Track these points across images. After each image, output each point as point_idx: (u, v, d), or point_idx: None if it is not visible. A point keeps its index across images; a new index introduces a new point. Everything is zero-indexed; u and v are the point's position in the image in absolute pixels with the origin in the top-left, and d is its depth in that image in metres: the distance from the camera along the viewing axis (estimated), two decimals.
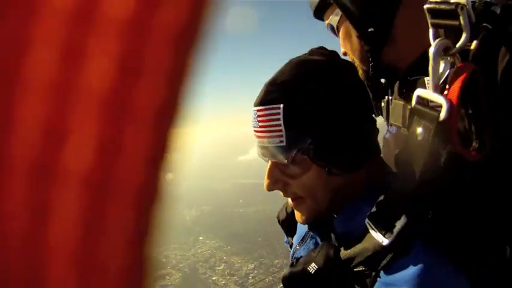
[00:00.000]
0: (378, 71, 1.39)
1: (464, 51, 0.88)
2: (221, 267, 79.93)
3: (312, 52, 1.20)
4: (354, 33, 1.36)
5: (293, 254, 1.31)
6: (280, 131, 1.08)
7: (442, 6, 0.87)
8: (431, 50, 0.86)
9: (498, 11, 1.00)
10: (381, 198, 0.97)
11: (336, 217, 1.14)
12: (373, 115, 1.22)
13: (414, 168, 0.87)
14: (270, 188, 1.17)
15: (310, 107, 1.06)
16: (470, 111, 0.88)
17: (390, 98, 1.52)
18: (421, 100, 0.89)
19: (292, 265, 1.23)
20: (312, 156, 1.07)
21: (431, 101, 0.86)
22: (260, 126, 1.11)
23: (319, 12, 1.48)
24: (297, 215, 1.20)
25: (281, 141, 1.08)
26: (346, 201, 1.13)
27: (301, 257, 1.20)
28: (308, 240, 1.23)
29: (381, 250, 0.92)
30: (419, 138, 0.85)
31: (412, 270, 0.89)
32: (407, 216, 0.88)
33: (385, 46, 1.33)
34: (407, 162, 0.89)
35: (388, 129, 1.61)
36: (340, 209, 1.14)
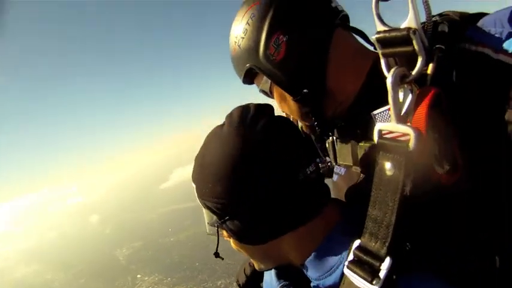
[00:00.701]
0: (324, 127, 1.36)
1: (420, 76, 0.83)
2: None
3: (232, 119, 1.03)
4: (288, 97, 1.30)
5: None
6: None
7: (393, 34, 0.83)
8: (388, 81, 0.81)
9: (446, 29, 1.00)
10: (356, 243, 0.88)
11: (306, 272, 1.05)
12: (311, 169, 1.01)
13: (388, 204, 0.80)
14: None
15: (211, 194, 1.00)
16: (436, 135, 0.84)
17: (335, 138, 1.49)
18: (383, 134, 0.83)
19: None
20: (225, 230, 1.06)
21: (392, 133, 0.81)
22: None
23: (248, 80, 1.41)
24: None
25: (203, 212, 1.12)
26: (300, 256, 1.05)
27: None
28: None
29: None
30: (389, 173, 0.80)
31: None
32: (391, 255, 0.80)
33: (323, 100, 1.28)
34: (380, 200, 0.83)
35: (335, 172, 1.55)
36: (303, 263, 1.05)
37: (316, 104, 1.29)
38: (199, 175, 1.05)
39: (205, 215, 1.12)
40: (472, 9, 1.07)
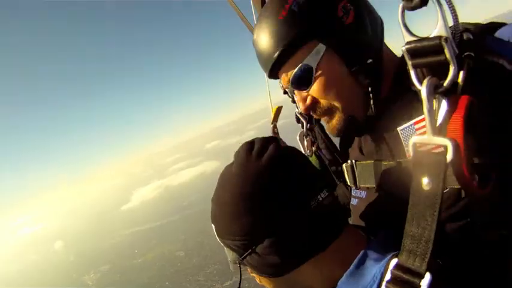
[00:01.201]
0: (378, 107, 1.25)
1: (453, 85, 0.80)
2: None
3: (239, 158, 1.08)
4: (343, 72, 1.22)
5: None
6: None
7: (425, 43, 0.80)
8: (423, 92, 0.78)
9: (471, 37, 0.95)
10: (394, 262, 0.87)
11: None
12: (320, 197, 1.02)
13: (427, 219, 0.78)
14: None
15: (229, 233, 1.05)
16: (470, 145, 0.79)
17: (354, 161, 1.44)
18: (417, 147, 0.80)
19: None
20: (247, 266, 1.10)
21: (427, 145, 0.78)
22: None
23: (285, 55, 1.24)
24: None
25: (225, 251, 1.14)
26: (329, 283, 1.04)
27: None
28: None
29: None
30: (427, 188, 0.77)
31: None
32: (431, 271, 0.79)
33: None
34: (418, 216, 0.80)
35: (354, 195, 1.48)
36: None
37: (378, 77, 1.21)
38: (216, 216, 1.09)
39: (227, 253, 1.13)
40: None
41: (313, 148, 1.69)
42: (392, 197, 1.20)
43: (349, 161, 1.49)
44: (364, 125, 1.32)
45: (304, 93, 1.30)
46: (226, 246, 1.11)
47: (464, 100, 0.78)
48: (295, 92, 1.31)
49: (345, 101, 1.27)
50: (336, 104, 1.28)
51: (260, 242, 1.01)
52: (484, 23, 1.13)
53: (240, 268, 1.11)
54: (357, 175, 1.45)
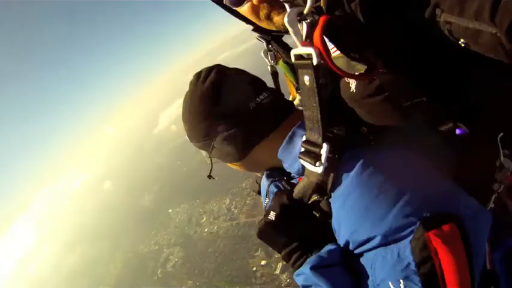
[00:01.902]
0: None
1: (319, 9, 0.96)
2: (204, 220, 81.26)
3: (191, 81, 1.39)
4: None
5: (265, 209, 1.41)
6: None
7: None
8: (285, 20, 0.95)
9: None
10: (304, 138, 1.10)
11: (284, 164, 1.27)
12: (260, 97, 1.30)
13: (313, 105, 1.00)
14: None
15: (194, 137, 1.38)
16: (344, 49, 1.02)
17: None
18: (298, 56, 1.00)
19: None
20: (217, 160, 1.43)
21: (305, 54, 0.97)
22: None
23: None
24: None
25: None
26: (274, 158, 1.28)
27: None
28: (271, 196, 1.35)
29: (321, 178, 1.05)
30: (308, 83, 0.97)
31: (350, 177, 1.02)
32: (327, 141, 1.01)
33: None
34: (307, 104, 1.02)
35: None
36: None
37: None
38: (184, 126, 1.41)
39: (201, 152, 1.45)
40: None
41: (280, 59, 1.77)
42: None
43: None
44: None
45: None
46: (197, 147, 1.42)
47: (321, 19, 0.94)
48: None
49: None
50: None
51: (215, 139, 1.31)
52: None
53: (211, 161, 1.44)
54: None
